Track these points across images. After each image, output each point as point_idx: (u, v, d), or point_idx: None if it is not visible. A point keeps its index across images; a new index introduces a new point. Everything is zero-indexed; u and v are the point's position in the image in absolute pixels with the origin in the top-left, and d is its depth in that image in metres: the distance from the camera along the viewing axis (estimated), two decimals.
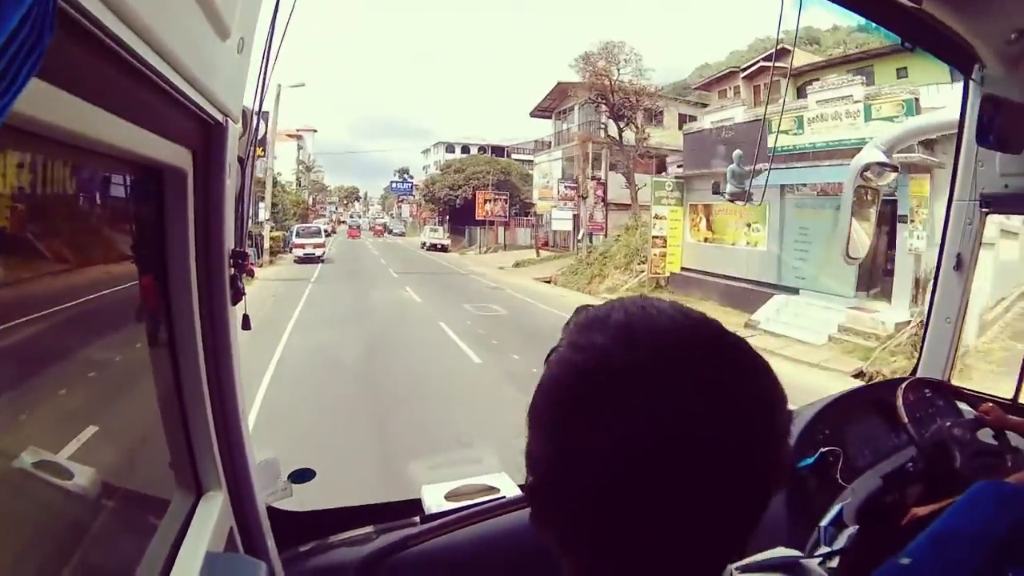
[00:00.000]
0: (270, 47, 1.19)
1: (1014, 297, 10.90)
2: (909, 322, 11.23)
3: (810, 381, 8.57)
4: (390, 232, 66.02)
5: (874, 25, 1.75)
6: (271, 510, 1.38)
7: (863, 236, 2.43)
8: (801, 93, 17.93)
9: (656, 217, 18.80)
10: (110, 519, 0.91)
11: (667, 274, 18.64)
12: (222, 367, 1.16)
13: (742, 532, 0.50)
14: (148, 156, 0.83)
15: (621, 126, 25.19)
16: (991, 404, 1.65)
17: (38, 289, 0.77)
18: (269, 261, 25.72)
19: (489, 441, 5.69)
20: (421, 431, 6.66)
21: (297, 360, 9.51)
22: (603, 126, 26.83)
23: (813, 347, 11.97)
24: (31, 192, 0.69)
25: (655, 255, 18.75)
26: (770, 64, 24.41)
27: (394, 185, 68.57)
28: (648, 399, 0.46)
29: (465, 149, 57.16)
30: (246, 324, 1.24)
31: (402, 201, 72.45)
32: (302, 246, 28.56)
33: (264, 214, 26.76)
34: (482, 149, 53.47)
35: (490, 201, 38.38)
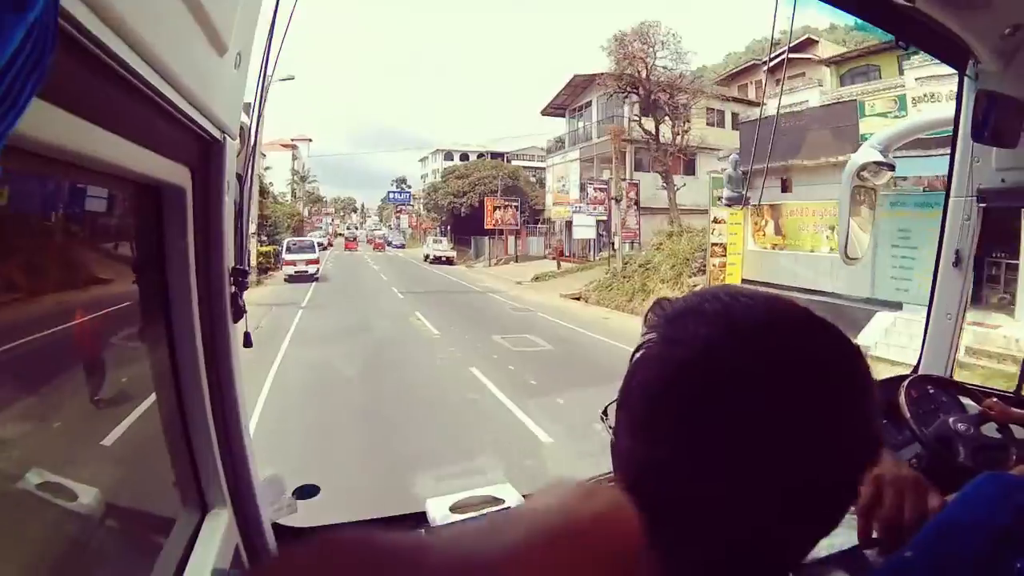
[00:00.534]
0: (267, 61, 1.19)
1: None
2: None
3: None
4: (390, 244, 62.99)
5: (868, 24, 1.76)
6: (276, 527, 1.37)
7: (861, 235, 2.45)
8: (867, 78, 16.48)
9: (715, 221, 16.08)
10: (116, 538, 0.91)
11: None
12: (224, 384, 1.16)
13: (834, 518, 0.50)
14: (147, 174, 0.83)
15: (659, 118, 22.42)
16: (995, 398, 1.65)
17: (41, 307, 0.77)
18: (256, 281, 21.91)
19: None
20: None
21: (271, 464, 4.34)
22: (636, 119, 23.72)
23: None
24: (30, 210, 0.69)
25: (715, 266, 15.86)
26: (797, 56, 23.07)
27: (392, 195, 67.88)
28: (754, 391, 0.46)
29: (464, 156, 55.78)
30: (247, 342, 1.24)
31: (400, 211, 71.26)
32: (293, 263, 25.21)
33: (251, 227, 24.23)
34: (481, 156, 51.67)
35: (500, 208, 36.26)
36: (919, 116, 2.28)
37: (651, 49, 22.37)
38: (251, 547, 1.24)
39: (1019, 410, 1.59)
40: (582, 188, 27.96)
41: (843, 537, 0.83)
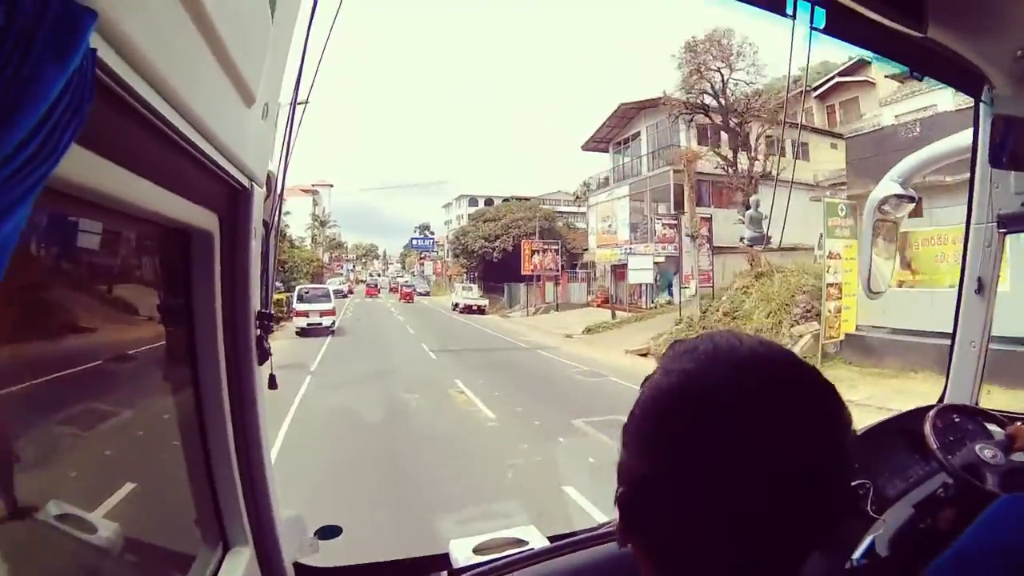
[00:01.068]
0: (293, 112, 1.25)
1: None
2: None
3: None
4: (418, 294, 54.19)
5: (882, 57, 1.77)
6: (298, 566, 1.36)
7: (884, 269, 2.43)
8: None
9: (830, 256, 12.68)
10: (137, 572, 0.91)
11: (840, 336, 12.54)
12: (248, 425, 1.17)
13: (806, 550, 0.53)
14: (177, 219, 0.88)
15: (735, 143, 19.77)
16: (1020, 423, 1.62)
17: (70, 347, 0.80)
18: None
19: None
20: None
21: None
22: (713, 148, 20.75)
23: None
24: (65, 250, 0.73)
25: (830, 311, 12.44)
26: (847, 79, 22.91)
27: (415, 242, 68.04)
28: (730, 416, 0.51)
29: (488, 201, 53.17)
30: (272, 384, 1.27)
31: (424, 258, 70.84)
32: (305, 313, 20.89)
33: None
34: (507, 200, 48.73)
35: (539, 252, 32.53)
36: (938, 145, 2.23)
37: (727, 59, 19.66)
38: None
39: None
40: (633, 228, 25.75)
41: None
